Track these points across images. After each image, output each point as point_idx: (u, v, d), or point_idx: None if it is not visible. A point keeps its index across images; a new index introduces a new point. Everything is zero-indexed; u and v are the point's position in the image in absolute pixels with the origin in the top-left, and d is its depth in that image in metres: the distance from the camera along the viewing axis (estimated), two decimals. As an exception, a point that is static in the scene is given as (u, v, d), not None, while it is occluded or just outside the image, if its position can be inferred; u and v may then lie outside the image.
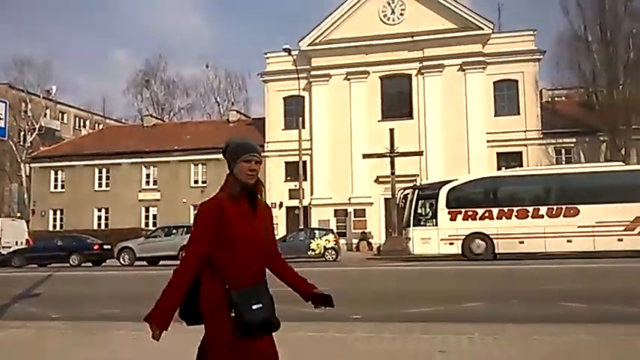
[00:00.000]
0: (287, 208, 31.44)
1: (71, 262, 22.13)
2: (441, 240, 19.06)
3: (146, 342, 5.74)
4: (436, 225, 19.22)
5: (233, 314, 2.29)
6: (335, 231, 25.26)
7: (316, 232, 22.68)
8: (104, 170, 36.01)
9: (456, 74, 31.45)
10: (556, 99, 36.96)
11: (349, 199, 31.47)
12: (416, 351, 5.07)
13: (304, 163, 30.33)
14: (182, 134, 36.78)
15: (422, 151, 28.93)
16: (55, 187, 36.61)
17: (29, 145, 45.47)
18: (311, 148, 32.36)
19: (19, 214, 36.38)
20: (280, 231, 28.75)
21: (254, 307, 2.31)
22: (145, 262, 21.46)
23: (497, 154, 30.80)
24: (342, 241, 26.29)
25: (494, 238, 18.62)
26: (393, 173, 25.72)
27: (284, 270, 2.59)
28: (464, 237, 18.81)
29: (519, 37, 31.90)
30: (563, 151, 30.78)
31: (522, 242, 18.34)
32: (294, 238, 22.11)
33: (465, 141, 30.60)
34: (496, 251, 18.62)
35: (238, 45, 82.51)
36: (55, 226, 35.91)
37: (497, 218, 18.79)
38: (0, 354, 5.56)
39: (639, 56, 29.17)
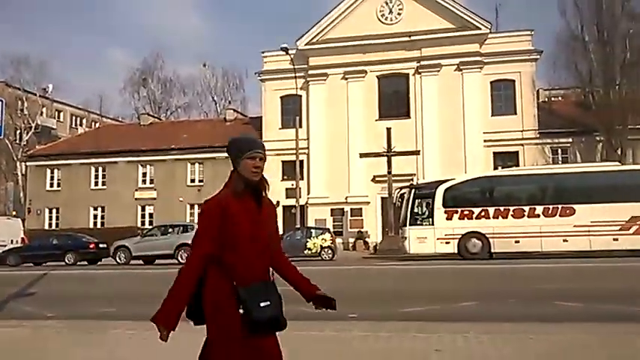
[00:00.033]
0: (284, 207, 31.41)
1: (67, 261, 22.09)
2: (437, 239, 19.10)
3: (143, 341, 5.75)
4: (432, 224, 19.25)
5: (241, 311, 2.26)
6: (331, 230, 25.27)
7: (313, 231, 22.71)
8: (100, 169, 35.92)
9: (453, 74, 31.49)
10: (553, 99, 37.04)
11: (346, 199, 31.49)
12: (412, 350, 5.08)
13: (301, 162, 30.34)
14: (179, 133, 36.70)
15: (419, 151, 28.97)
16: (51, 185, 36.50)
17: (25, 143, 45.27)
18: (308, 147, 32.36)
19: (14, 213, 36.28)
20: (277, 230, 28.70)
21: (262, 304, 2.29)
22: (141, 261, 21.43)
23: (494, 153, 30.87)
24: (338, 240, 26.31)
25: (490, 238, 18.66)
26: (389, 172, 25.77)
27: (287, 269, 2.56)
28: (460, 236, 18.85)
29: (516, 37, 31.97)
30: (559, 150, 30.86)
31: (518, 242, 18.38)
32: (291, 237, 22.10)
33: (461, 140, 30.65)
34: (492, 250, 18.66)
35: (236, 44, 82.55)
36: (50, 224, 35.80)
37: (494, 218, 18.83)
38: (-5, 353, 5.55)
39: (636, 57, 29.27)
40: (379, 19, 32.78)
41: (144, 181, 35.41)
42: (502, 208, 18.90)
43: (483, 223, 18.81)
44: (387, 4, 32.81)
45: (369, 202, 31.21)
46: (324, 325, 5.92)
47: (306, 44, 33.01)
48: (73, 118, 56.21)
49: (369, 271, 16.02)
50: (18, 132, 46.32)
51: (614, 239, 17.80)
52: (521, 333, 5.62)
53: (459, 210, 19.18)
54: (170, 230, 22.10)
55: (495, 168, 29.09)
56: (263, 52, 34.70)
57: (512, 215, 18.76)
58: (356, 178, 31.55)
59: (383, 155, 26.13)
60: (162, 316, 2.29)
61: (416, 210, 19.85)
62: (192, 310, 2.38)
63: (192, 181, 34.48)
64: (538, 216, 18.54)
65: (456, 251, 18.89)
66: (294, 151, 28.77)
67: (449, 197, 19.38)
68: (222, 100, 56.60)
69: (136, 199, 34.99)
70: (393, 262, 18.70)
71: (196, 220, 32.73)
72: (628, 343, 5.19)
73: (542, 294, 8.99)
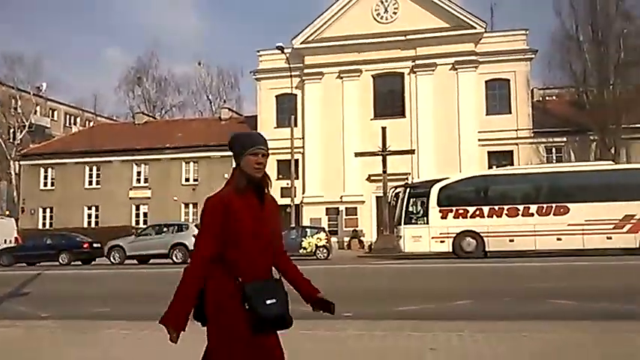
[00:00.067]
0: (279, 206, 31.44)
1: (60, 261, 21.95)
2: (432, 238, 19.14)
3: (137, 341, 5.73)
4: (427, 223, 19.29)
5: (247, 306, 2.23)
6: (326, 229, 25.31)
7: (308, 230, 22.71)
8: (94, 168, 35.76)
9: (448, 73, 31.55)
10: (547, 98, 37.19)
11: (341, 198, 31.50)
12: (407, 348, 5.08)
13: (296, 161, 30.31)
14: (174, 132, 36.59)
15: (414, 150, 29.04)
16: (45, 184, 36.32)
17: (19, 142, 45.01)
18: (303, 147, 32.35)
19: (8, 213, 36.06)
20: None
21: (268, 301, 2.26)
22: (135, 261, 21.34)
23: (489, 152, 30.96)
24: (333, 239, 26.31)
25: (484, 236, 18.72)
26: (384, 172, 25.79)
27: (289, 268, 2.52)
28: (455, 235, 18.90)
29: (511, 36, 32.06)
30: (553, 150, 30.98)
31: (512, 240, 18.45)
32: (286, 237, 22.00)
33: (456, 140, 30.72)
34: (486, 249, 18.72)
35: (231, 43, 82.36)
36: (44, 224, 35.61)
37: (488, 216, 18.89)
38: (-12, 353, 5.52)
39: (630, 56, 29.41)
40: (374, 18, 32.80)
41: (138, 181, 35.29)
42: (496, 207, 18.96)
43: (478, 221, 18.87)
44: (382, 3, 32.84)
45: (364, 201, 31.23)
46: (318, 324, 5.92)
47: (301, 43, 32.99)
48: (67, 116, 55.93)
49: (364, 270, 16.04)
50: (11, 131, 46.04)
51: (608, 238, 17.89)
52: (516, 331, 5.64)
53: (454, 209, 19.23)
54: (165, 229, 22.02)
55: (490, 167, 29.18)
56: (258, 51, 34.65)
57: (506, 214, 18.83)
58: (351, 178, 31.57)
59: (378, 154, 26.16)
60: (171, 317, 2.25)
61: (411, 209, 19.89)
62: (200, 312, 2.33)
63: (187, 180, 34.39)
64: (532, 215, 18.62)
65: (450, 250, 18.95)
66: (289, 151, 28.74)
67: (443, 196, 19.43)
68: (217, 99, 56.49)
69: (130, 198, 34.87)
70: (388, 260, 18.73)
71: (191, 220, 32.60)
72: (622, 341, 5.21)
73: (536, 292, 9.02)
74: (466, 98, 31.06)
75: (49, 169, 36.30)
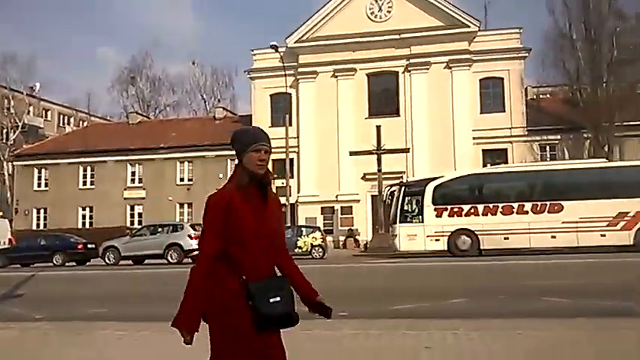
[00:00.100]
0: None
1: (55, 262, 21.84)
2: (427, 236, 19.19)
3: (133, 341, 5.71)
4: (422, 221, 19.34)
5: (250, 305, 2.21)
6: (322, 228, 25.31)
7: (303, 229, 22.69)
8: (89, 168, 35.60)
9: (442, 72, 31.60)
10: (541, 96, 37.37)
11: (336, 197, 31.50)
12: (402, 347, 5.09)
13: (291, 160, 30.27)
14: (168, 132, 36.46)
15: (408, 148, 29.06)
16: (39, 185, 36.13)
17: (12, 142, 44.76)
18: (298, 146, 32.31)
19: (1, 213, 35.74)
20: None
21: (271, 300, 2.25)
22: (130, 262, 21.27)
23: (483, 151, 31.04)
24: (328, 238, 26.31)
25: (479, 235, 18.77)
26: (379, 170, 25.80)
27: (289, 268, 2.49)
28: (449, 233, 18.95)
29: (505, 35, 32.14)
30: (547, 147, 31.10)
31: (507, 238, 18.51)
32: (282, 236, 22.06)
33: (451, 138, 30.78)
34: (481, 247, 18.79)
35: (226, 43, 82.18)
36: (38, 225, 35.45)
37: (483, 215, 18.95)
38: (-18, 355, 5.49)
39: (623, 54, 29.57)
40: (369, 17, 32.80)
41: (133, 181, 35.16)
42: (491, 205, 19.02)
43: (473, 220, 18.92)
44: (376, 1, 32.85)
45: (359, 200, 31.25)
46: (314, 323, 5.92)
47: (295, 42, 32.95)
48: (61, 116, 55.64)
49: (359, 269, 16.06)
50: (4, 131, 45.78)
51: (602, 235, 17.98)
52: (510, 329, 5.65)
53: (449, 207, 19.27)
54: (159, 230, 21.97)
55: (484, 165, 29.27)
56: (253, 50, 34.58)
57: (501, 212, 18.89)
58: (346, 176, 31.58)
59: (373, 153, 26.16)
60: (183, 319, 2.22)
61: (406, 207, 19.91)
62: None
63: (182, 180, 34.28)
64: (527, 213, 18.69)
65: (445, 248, 18.99)
66: (284, 150, 28.70)
67: (438, 195, 19.47)
68: (211, 98, 56.33)
69: (124, 198, 34.74)
70: (383, 259, 18.76)
71: (186, 220, 32.45)
72: (616, 338, 5.24)
73: (530, 290, 9.06)
74: (460, 97, 31.12)
75: (43, 170, 36.11)
